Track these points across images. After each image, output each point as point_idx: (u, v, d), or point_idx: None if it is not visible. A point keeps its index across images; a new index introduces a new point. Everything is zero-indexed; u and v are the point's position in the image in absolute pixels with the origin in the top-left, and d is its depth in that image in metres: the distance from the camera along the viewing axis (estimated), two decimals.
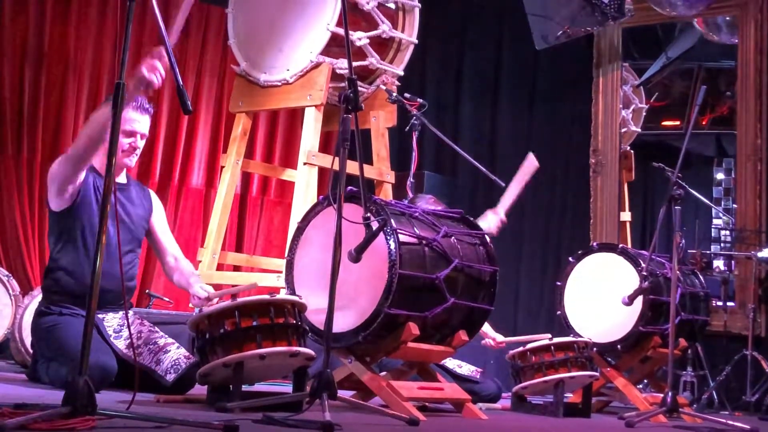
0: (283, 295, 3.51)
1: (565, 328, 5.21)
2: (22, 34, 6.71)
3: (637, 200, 8.32)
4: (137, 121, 4.18)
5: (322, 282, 3.43)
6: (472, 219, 4.24)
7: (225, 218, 5.79)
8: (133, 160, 4.24)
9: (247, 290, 3.89)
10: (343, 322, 3.65)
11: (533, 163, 5.30)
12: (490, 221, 5.10)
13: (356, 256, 3.41)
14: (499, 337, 5.12)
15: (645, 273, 4.77)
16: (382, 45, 5.75)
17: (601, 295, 5.15)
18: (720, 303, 6.75)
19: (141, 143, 4.23)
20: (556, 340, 4.56)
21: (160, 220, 4.44)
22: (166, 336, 4.13)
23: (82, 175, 4.02)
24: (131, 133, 4.17)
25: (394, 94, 5.29)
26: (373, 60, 5.61)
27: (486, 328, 5.00)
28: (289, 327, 3.35)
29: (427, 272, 3.76)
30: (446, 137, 5.35)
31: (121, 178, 4.29)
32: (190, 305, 4.20)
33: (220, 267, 5.88)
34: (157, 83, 3.50)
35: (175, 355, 3.94)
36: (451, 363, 4.89)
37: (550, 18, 7.41)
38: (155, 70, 3.46)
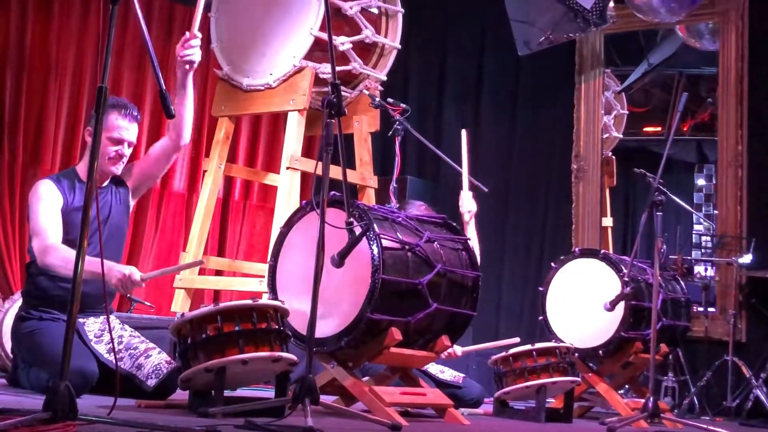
0: (265, 300, 3.50)
1: (547, 333, 5.21)
2: (3, 37, 6.65)
3: (619, 206, 8.34)
4: (125, 129, 4.16)
5: (305, 287, 3.43)
6: (455, 224, 4.25)
7: (207, 223, 5.76)
8: (119, 168, 4.22)
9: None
10: (326, 327, 3.65)
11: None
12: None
13: (339, 261, 3.41)
14: (458, 350, 4.94)
15: (626, 279, 4.79)
16: (365, 50, 5.75)
17: (582, 301, 5.16)
18: (701, 309, 6.76)
19: (128, 151, 4.20)
20: (538, 345, 4.57)
21: (139, 165, 4.45)
22: (148, 341, 4.11)
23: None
24: (119, 141, 4.14)
25: (377, 99, 5.29)
26: (356, 65, 5.60)
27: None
28: (271, 332, 3.34)
29: (410, 277, 3.76)
30: (429, 142, 5.37)
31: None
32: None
33: (201, 272, 5.86)
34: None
35: (157, 360, 3.93)
36: (433, 368, 4.89)
37: (533, 24, 7.43)
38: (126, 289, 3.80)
